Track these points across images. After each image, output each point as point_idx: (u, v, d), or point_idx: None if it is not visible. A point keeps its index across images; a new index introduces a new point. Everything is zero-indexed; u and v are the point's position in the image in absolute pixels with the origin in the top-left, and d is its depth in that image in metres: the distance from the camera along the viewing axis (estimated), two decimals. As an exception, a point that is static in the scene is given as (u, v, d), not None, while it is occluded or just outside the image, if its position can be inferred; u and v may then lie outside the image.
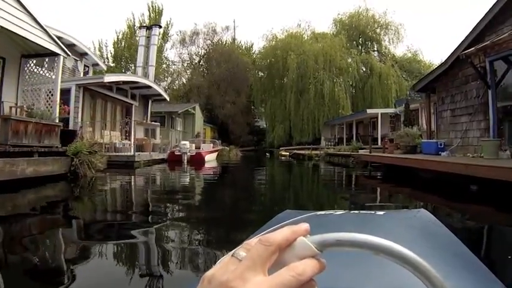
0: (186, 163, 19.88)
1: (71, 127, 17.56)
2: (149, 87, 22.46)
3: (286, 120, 41.01)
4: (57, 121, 12.00)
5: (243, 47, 54.28)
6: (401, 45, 70.79)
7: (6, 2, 9.92)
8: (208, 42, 51.16)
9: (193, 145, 23.53)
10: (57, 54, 12.57)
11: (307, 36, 44.84)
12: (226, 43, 51.28)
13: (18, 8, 10.32)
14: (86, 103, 18.85)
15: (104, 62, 45.88)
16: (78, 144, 11.27)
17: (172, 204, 7.53)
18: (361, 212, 1.69)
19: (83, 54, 23.14)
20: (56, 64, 12.93)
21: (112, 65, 46.59)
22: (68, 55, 13.77)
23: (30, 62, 12.97)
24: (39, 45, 11.40)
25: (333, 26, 46.65)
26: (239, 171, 18.87)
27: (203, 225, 5.53)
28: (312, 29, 45.89)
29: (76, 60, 22.45)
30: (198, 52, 52.06)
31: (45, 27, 11.49)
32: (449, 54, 12.83)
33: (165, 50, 51.13)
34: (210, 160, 22.81)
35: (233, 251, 0.49)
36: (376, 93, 38.70)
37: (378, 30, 44.40)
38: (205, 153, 22.25)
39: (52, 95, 12.79)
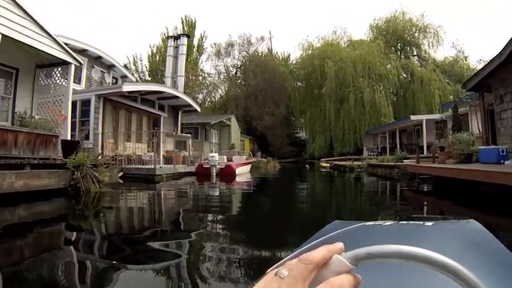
0: (214, 176, 18.29)
1: (90, 139, 16.71)
2: (177, 97, 21.15)
3: (327, 131, 38.77)
4: (58, 131, 10.96)
5: (280, 57, 52.77)
6: (441, 49, 67.14)
7: (7, 9, 9.04)
8: (244, 53, 49.98)
9: (225, 157, 21.89)
10: (68, 63, 11.91)
11: (344, 43, 42.57)
12: (262, 54, 49.81)
13: (21, 15, 9.52)
14: (108, 114, 17.89)
15: (139, 75, 45.95)
16: (79, 156, 9.92)
17: (183, 226, 6.27)
18: (410, 222, 1.58)
19: (110, 67, 22.53)
20: (67, 73, 12.18)
21: (148, 78, 46.12)
22: (80, 63, 12.73)
23: (44, 71, 12.43)
24: (48, 53, 10.88)
25: (369, 32, 44.16)
26: (274, 185, 17.01)
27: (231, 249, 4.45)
28: (348, 35, 43.43)
29: (103, 72, 21.64)
30: (234, 64, 51.00)
31: (53, 36, 10.87)
32: (504, 45, 10.63)
33: (200, 62, 50.42)
34: (243, 173, 21.13)
35: (275, 269, 0.55)
36: (419, 99, 35.88)
37: (416, 34, 41.52)
38: (236, 165, 20.55)
39: (60, 105, 11.92)
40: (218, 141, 32.95)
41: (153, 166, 15.75)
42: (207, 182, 16.43)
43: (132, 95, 19.00)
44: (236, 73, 50.97)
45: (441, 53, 63.15)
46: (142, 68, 47.87)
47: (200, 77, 47.67)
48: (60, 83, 12.43)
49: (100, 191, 10.11)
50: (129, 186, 13.01)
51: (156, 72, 45.72)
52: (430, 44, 40.97)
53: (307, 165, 33.55)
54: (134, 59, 48.53)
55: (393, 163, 18.49)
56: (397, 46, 42.60)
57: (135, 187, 13.04)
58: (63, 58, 11.47)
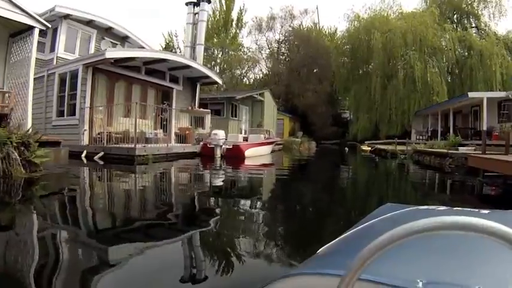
0: (219, 159, 14.82)
1: (76, 114, 14.34)
2: (188, 66, 17.41)
3: (372, 110, 33.81)
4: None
5: (326, 32, 47.40)
6: (504, 21, 58.32)
7: None
8: (287, 26, 45.00)
9: (240, 136, 18.11)
10: (32, 27, 9.99)
11: (393, 13, 36.46)
12: (306, 27, 44.73)
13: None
14: (100, 86, 15.03)
15: (176, 52, 42.48)
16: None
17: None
18: (465, 209, 1.51)
19: (124, 38, 19.48)
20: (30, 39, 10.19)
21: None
22: (47, 27, 10.66)
23: (17, 42, 10.74)
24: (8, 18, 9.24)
25: (422, 2, 37.33)
26: (293, 173, 12.67)
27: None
28: (398, 4, 37.72)
29: (115, 44, 18.67)
30: (277, 38, 46.21)
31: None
32: None
33: (241, 37, 46.33)
34: (257, 155, 17.14)
35: None
36: (477, 77, 29.89)
37: (475, 4, 34.73)
38: (246, 146, 16.60)
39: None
40: (250, 118, 29.09)
41: (132, 145, 12.34)
42: (212, 163, 13.26)
43: (134, 65, 15.91)
44: (278, 48, 46.32)
45: (504, 26, 54.92)
46: (178, 44, 44.29)
47: (239, 52, 43.56)
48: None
49: (29, 177, 7.51)
50: (78, 172, 9.91)
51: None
52: (491, 15, 34.15)
53: (346, 148, 28.56)
54: (170, 36, 45.26)
55: (445, 150, 13.96)
56: (453, 18, 36.23)
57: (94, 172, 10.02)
58: (23, 21, 9.61)
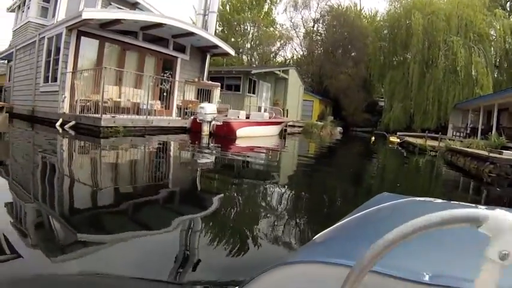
0: (206, 136, 12.73)
1: (58, 80, 12.87)
2: (192, 33, 15.04)
3: (407, 99, 30.23)
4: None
5: (367, 14, 43.26)
6: None
7: None
8: (323, 4, 40.89)
9: (242, 112, 15.66)
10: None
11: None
12: (345, 7, 40.65)
13: None
14: (87, 51, 13.24)
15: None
16: None
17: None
18: (461, 203, 1.44)
19: (134, 4, 17.76)
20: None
21: (219, 28, 40.08)
22: None
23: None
24: None
25: None
26: (280, 164, 9.93)
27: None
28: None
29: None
30: (313, 17, 42.30)
31: None
32: None
33: (276, 13, 43.03)
34: (255, 135, 14.56)
35: None
36: (529, 72, 25.91)
37: None
38: (239, 124, 13.97)
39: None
40: (272, 96, 26.41)
41: (99, 115, 10.17)
42: (197, 142, 11.42)
43: (129, 30, 14.00)
44: (314, 27, 42.70)
45: None
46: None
47: (271, 28, 40.43)
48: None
49: None
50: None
51: (231, 25, 39.16)
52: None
53: (373, 138, 25.04)
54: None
55: (485, 153, 10.89)
56: (505, 5, 31.86)
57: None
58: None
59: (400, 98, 30.95)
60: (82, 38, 12.83)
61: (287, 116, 23.46)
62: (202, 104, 13.53)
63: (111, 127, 10.53)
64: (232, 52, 18.14)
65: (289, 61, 41.26)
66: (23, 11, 17.51)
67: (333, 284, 0.78)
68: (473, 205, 1.27)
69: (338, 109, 37.27)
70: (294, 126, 24.98)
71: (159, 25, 13.68)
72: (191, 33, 14.91)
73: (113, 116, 10.94)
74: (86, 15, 11.37)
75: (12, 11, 19.24)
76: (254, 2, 40.12)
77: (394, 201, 1.41)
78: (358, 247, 0.88)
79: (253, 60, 39.39)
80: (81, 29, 12.60)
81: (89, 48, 13.27)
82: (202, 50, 17.46)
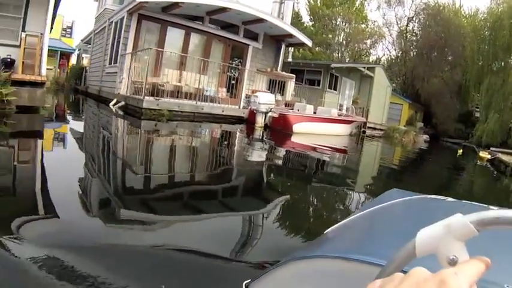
0: (260, 129, 11.47)
1: (118, 61, 12.91)
2: (261, 20, 13.88)
3: (505, 110, 26.07)
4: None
5: (466, 13, 38.39)
6: None
7: None
8: (418, 1, 37.03)
9: (310, 107, 13.90)
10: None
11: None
12: (442, 5, 36.14)
13: None
14: (148, 35, 13.11)
15: (297, 20, 38.14)
16: None
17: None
18: (474, 203, 1.36)
19: None
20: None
21: (309, 23, 38.52)
22: None
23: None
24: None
25: None
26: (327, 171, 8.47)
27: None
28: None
29: None
30: (407, 14, 38.44)
31: None
32: None
33: (369, 10, 40.24)
34: (317, 133, 12.64)
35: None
36: None
37: None
38: (297, 118, 12.29)
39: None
40: (356, 95, 24.29)
41: (141, 97, 9.48)
42: (250, 133, 10.69)
43: (195, 15, 13.75)
44: (407, 25, 39.14)
45: None
46: (297, 10, 39.48)
47: (363, 25, 37.86)
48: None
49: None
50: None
51: (320, 17, 37.32)
52: None
53: (460, 151, 21.55)
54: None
55: None
56: None
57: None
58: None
59: (497, 109, 26.78)
60: (143, 21, 12.71)
61: (367, 117, 21.42)
62: (258, 93, 12.32)
63: (154, 109, 9.97)
64: (308, 42, 16.69)
65: (380, 61, 38.44)
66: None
67: (350, 278, 0.76)
68: (485, 205, 1.24)
69: (428, 116, 33.75)
70: (375, 128, 22.94)
71: (224, 9, 12.80)
72: (261, 20, 13.85)
73: (156, 99, 10.39)
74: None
75: (96, 0, 20.03)
76: (345, -4, 37.80)
77: (406, 198, 1.37)
78: (374, 243, 0.96)
79: (343, 57, 37.28)
80: (142, 13, 12.41)
81: (150, 31, 13.13)
82: (277, 39, 16.34)
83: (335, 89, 21.72)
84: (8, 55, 9.79)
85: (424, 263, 0.41)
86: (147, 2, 11.26)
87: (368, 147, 15.16)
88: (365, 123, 20.94)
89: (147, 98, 10.09)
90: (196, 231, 2.91)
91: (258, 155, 7.52)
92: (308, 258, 0.94)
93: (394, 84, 35.05)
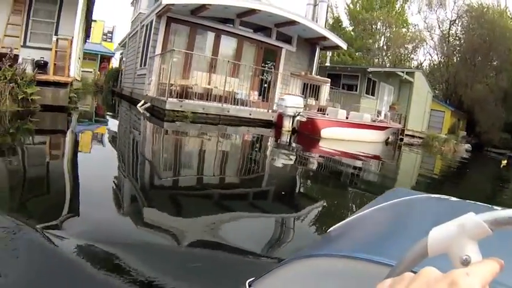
0: (287, 133, 10.97)
1: (147, 64, 13.10)
2: (293, 22, 13.58)
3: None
4: None
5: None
6: None
7: None
8: (460, 3, 35.14)
9: (342, 112, 13.12)
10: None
11: None
12: (486, 7, 34.18)
13: None
14: (177, 37, 13.13)
15: (335, 24, 37.31)
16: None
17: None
18: (478, 203, 1.32)
19: None
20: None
21: (350, 28, 37.70)
22: None
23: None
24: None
25: None
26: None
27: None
28: None
29: None
30: (449, 17, 36.83)
31: None
32: None
33: (410, 14, 38.84)
34: (348, 139, 11.89)
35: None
36: None
37: None
38: (325, 122, 11.58)
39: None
40: (397, 100, 23.31)
41: (164, 98, 9.37)
42: (278, 138, 10.22)
43: (225, 17, 13.48)
44: (450, 29, 37.36)
45: None
46: (337, 14, 38.70)
47: (404, 30, 36.58)
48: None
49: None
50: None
51: (359, 22, 36.31)
52: None
53: (504, 161, 19.99)
54: (329, 7, 39.27)
55: None
56: None
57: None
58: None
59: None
60: (172, 24, 12.74)
61: (405, 124, 20.49)
62: (285, 95, 11.87)
63: (177, 111, 9.83)
64: (343, 45, 16.11)
65: (422, 66, 36.95)
66: (138, 4, 18.14)
67: (357, 278, 0.76)
68: (489, 206, 1.24)
69: (472, 124, 31.91)
70: (413, 136, 21.94)
71: (253, 11, 12.55)
72: (293, 22, 13.47)
73: (180, 100, 10.23)
74: (165, 1, 11.06)
75: (132, 5, 20.43)
76: (385, 0, 36.63)
77: (410, 197, 1.35)
78: (380, 242, 0.91)
79: (383, 63, 36.16)
80: (170, 16, 12.43)
81: (179, 34, 13.12)
82: (311, 42, 15.89)
83: (373, 95, 21.01)
84: (41, 57, 10.38)
85: (433, 263, 0.40)
86: (173, 4, 11.24)
87: (402, 156, 14.35)
88: (403, 130, 20.07)
89: (170, 99, 9.96)
90: (230, 230, 2.93)
91: (276, 159, 7.08)
92: (313, 257, 0.93)
93: (436, 91, 33.69)
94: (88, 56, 28.63)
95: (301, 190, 5.03)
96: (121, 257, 2.02)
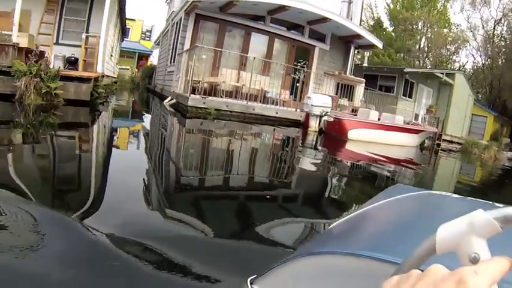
0: (314, 133, 10.56)
1: (175, 61, 13.18)
2: (325, 19, 13.11)
3: None
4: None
5: None
6: None
7: None
8: (506, 0, 32.88)
9: (373, 113, 12.23)
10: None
11: None
12: None
13: None
14: (206, 34, 13.06)
15: (372, 24, 36.23)
16: (15, 64, 7.72)
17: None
18: (479, 200, 1.33)
19: None
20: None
21: (390, 29, 36.61)
22: None
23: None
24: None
25: None
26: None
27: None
28: None
29: None
30: (494, 16, 34.64)
31: None
32: None
33: (452, 13, 37.14)
34: (378, 141, 11.05)
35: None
36: None
37: None
38: (352, 123, 10.80)
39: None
40: (435, 103, 22.35)
41: (187, 94, 9.31)
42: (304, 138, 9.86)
43: (255, 13, 13.25)
44: (494, 28, 35.15)
45: None
46: (377, 15, 37.57)
47: (446, 30, 35.02)
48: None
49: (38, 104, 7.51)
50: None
51: (400, 22, 35.05)
52: None
53: None
54: (369, 7, 37.49)
55: None
56: None
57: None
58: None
59: None
60: (201, 21, 12.71)
61: (443, 128, 19.51)
62: (311, 94, 11.43)
63: (199, 108, 9.71)
64: (378, 44, 15.49)
65: (464, 69, 35.37)
66: (172, 2, 18.27)
67: (361, 276, 0.76)
68: (490, 203, 1.22)
69: (514, 130, 30.35)
70: (452, 142, 20.87)
71: (283, 8, 12.23)
72: (325, 19, 13.04)
73: (203, 97, 10.06)
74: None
75: (167, 3, 20.68)
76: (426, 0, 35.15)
77: (411, 193, 1.33)
78: (383, 239, 0.90)
79: (424, 64, 34.81)
80: (199, 13, 12.38)
81: (208, 31, 13.02)
82: (345, 41, 15.41)
83: (410, 97, 20.19)
84: (72, 54, 10.78)
85: (440, 261, 0.40)
86: (200, 1, 11.20)
87: (433, 161, 13.52)
88: (440, 135, 19.10)
89: (192, 96, 9.80)
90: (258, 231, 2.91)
91: (296, 161, 6.69)
92: (316, 255, 0.92)
93: (478, 94, 32.16)
94: (126, 53, 29.34)
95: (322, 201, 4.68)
96: (151, 247, 2.08)
